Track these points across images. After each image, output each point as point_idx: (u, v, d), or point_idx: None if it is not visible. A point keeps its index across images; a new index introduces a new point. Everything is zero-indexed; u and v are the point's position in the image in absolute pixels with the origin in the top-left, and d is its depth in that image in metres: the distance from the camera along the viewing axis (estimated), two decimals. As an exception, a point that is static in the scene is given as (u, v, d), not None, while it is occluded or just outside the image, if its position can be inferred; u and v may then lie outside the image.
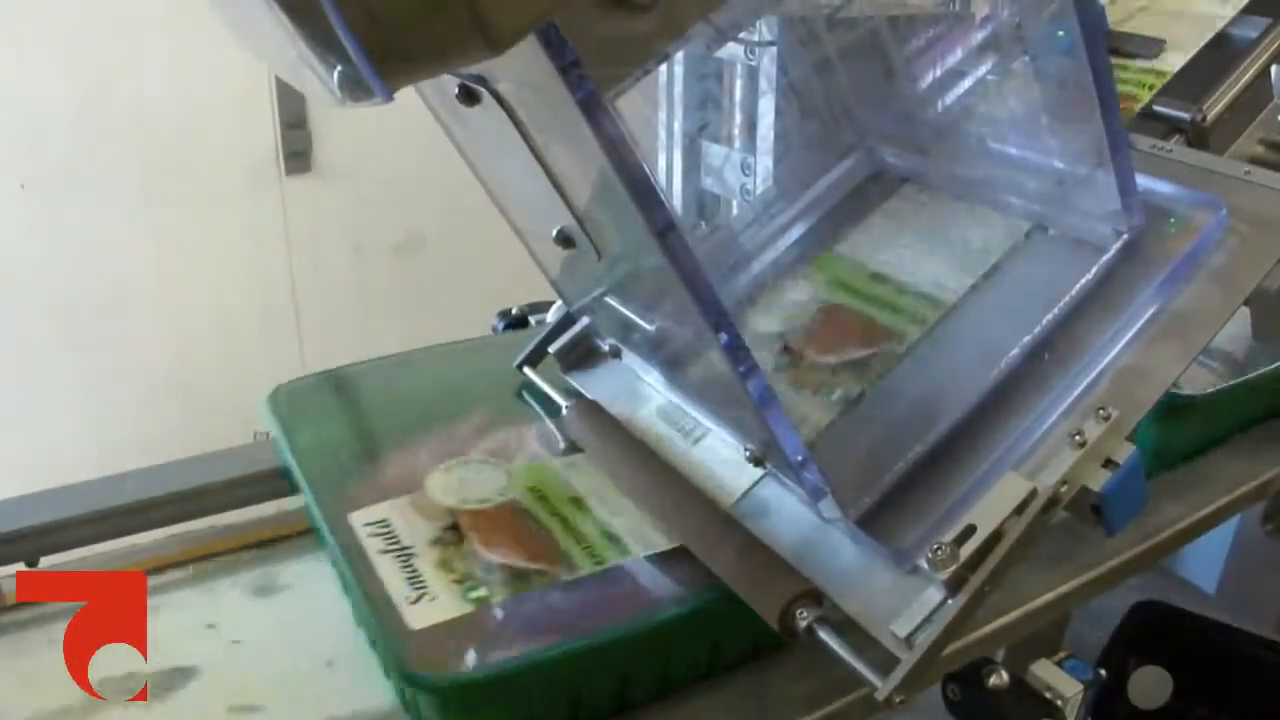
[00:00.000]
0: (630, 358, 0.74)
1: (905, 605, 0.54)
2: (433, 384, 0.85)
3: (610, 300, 0.68)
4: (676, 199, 0.84)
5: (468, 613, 0.58)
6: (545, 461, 0.71)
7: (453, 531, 0.65)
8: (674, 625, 0.59)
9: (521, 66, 0.45)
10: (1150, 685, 1.11)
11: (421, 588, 0.60)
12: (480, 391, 0.81)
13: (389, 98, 0.38)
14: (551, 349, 0.78)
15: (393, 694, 0.61)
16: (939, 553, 0.52)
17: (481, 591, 0.60)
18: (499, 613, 0.59)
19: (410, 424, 0.76)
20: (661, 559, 0.63)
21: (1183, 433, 0.84)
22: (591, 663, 0.57)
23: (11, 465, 1.89)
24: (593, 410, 0.72)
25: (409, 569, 0.61)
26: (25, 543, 0.75)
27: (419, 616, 0.58)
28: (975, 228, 0.70)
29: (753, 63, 0.75)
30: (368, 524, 0.65)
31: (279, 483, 0.80)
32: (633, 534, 0.64)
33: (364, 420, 0.80)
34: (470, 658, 0.56)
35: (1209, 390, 0.82)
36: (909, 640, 0.52)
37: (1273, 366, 0.86)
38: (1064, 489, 0.54)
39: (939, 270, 0.68)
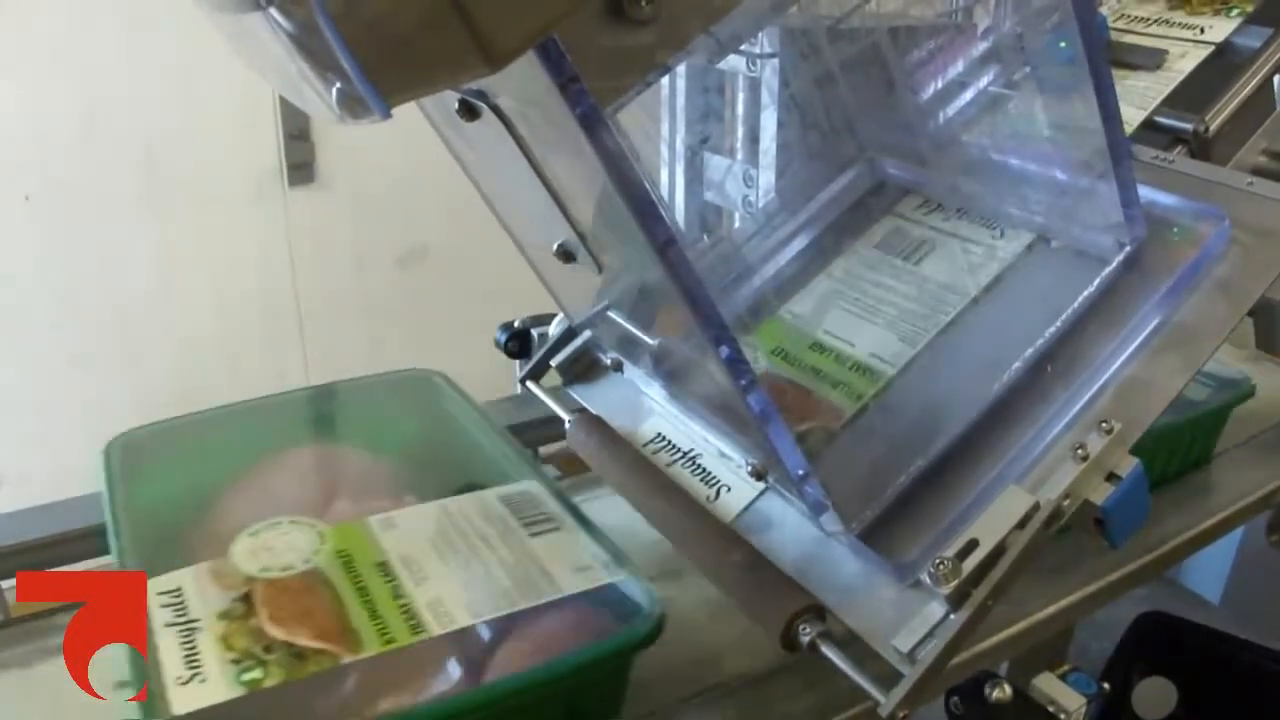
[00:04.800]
0: (632, 371, 0.74)
1: (908, 619, 0.53)
2: (277, 433, 0.80)
3: (612, 314, 0.68)
4: (679, 212, 0.84)
5: (237, 697, 0.53)
6: (361, 520, 0.67)
7: (244, 603, 0.59)
8: (455, 716, 0.55)
9: (521, 81, 0.45)
10: (1155, 696, 1.11)
11: (196, 667, 0.54)
12: (321, 442, 0.78)
13: (387, 115, 0.38)
14: (553, 362, 0.78)
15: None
16: (941, 567, 0.52)
17: (256, 674, 0.54)
18: (269, 699, 0.54)
19: (242, 478, 0.72)
20: (458, 637, 0.58)
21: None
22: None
23: (13, 478, 1.89)
24: (595, 424, 0.72)
25: (189, 645, 0.56)
26: (28, 556, 0.76)
27: (185, 699, 0.52)
28: (977, 240, 0.70)
29: (754, 75, 0.75)
30: (161, 593, 0.60)
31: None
32: (433, 608, 0.59)
33: (200, 474, 0.74)
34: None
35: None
36: (912, 655, 0.52)
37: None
38: (1066, 503, 0.54)
39: (882, 337, 0.68)
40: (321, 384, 0.84)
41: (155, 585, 0.60)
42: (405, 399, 0.85)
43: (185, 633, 0.57)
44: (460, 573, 0.62)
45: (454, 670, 0.57)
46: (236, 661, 0.55)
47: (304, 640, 0.57)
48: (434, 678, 0.56)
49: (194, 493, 0.71)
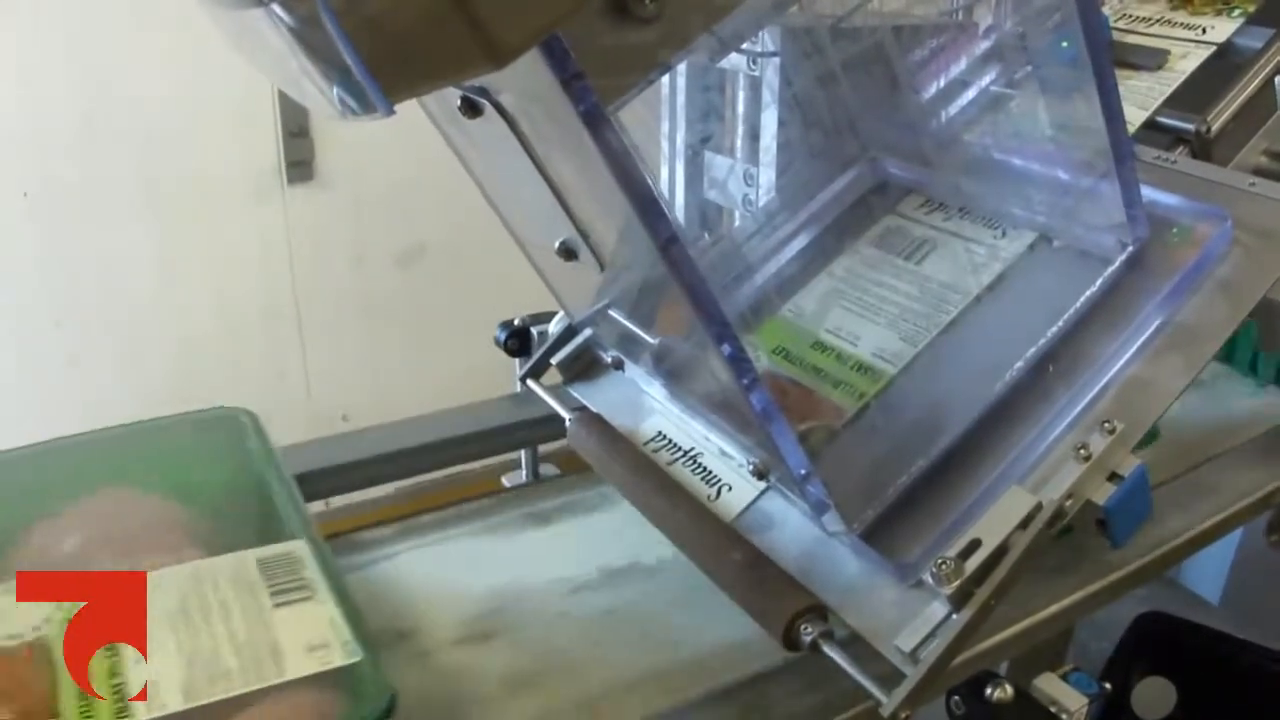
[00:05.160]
0: (633, 370, 0.74)
1: (910, 619, 0.53)
2: (76, 478, 0.74)
3: (613, 312, 0.68)
4: (679, 211, 0.84)
5: None
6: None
7: None
8: None
9: (524, 78, 0.44)
10: (1154, 696, 1.11)
11: None
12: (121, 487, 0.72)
13: (391, 112, 0.38)
14: (554, 361, 0.78)
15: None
16: (944, 567, 0.51)
17: None
18: None
19: (32, 528, 0.67)
20: None
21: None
22: None
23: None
24: (596, 423, 0.72)
25: None
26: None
27: None
28: (979, 239, 0.70)
29: (755, 73, 0.75)
30: None
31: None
32: (155, 687, 0.54)
33: None
34: None
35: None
36: (914, 655, 0.52)
37: None
38: (1069, 503, 0.54)
39: (884, 336, 0.67)
40: (129, 423, 0.77)
41: None
42: (211, 441, 0.78)
43: None
44: (187, 648, 0.56)
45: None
46: None
47: None
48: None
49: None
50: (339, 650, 0.57)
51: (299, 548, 0.65)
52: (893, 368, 0.65)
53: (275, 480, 0.72)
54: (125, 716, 0.53)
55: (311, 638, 0.58)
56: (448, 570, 0.75)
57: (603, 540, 0.77)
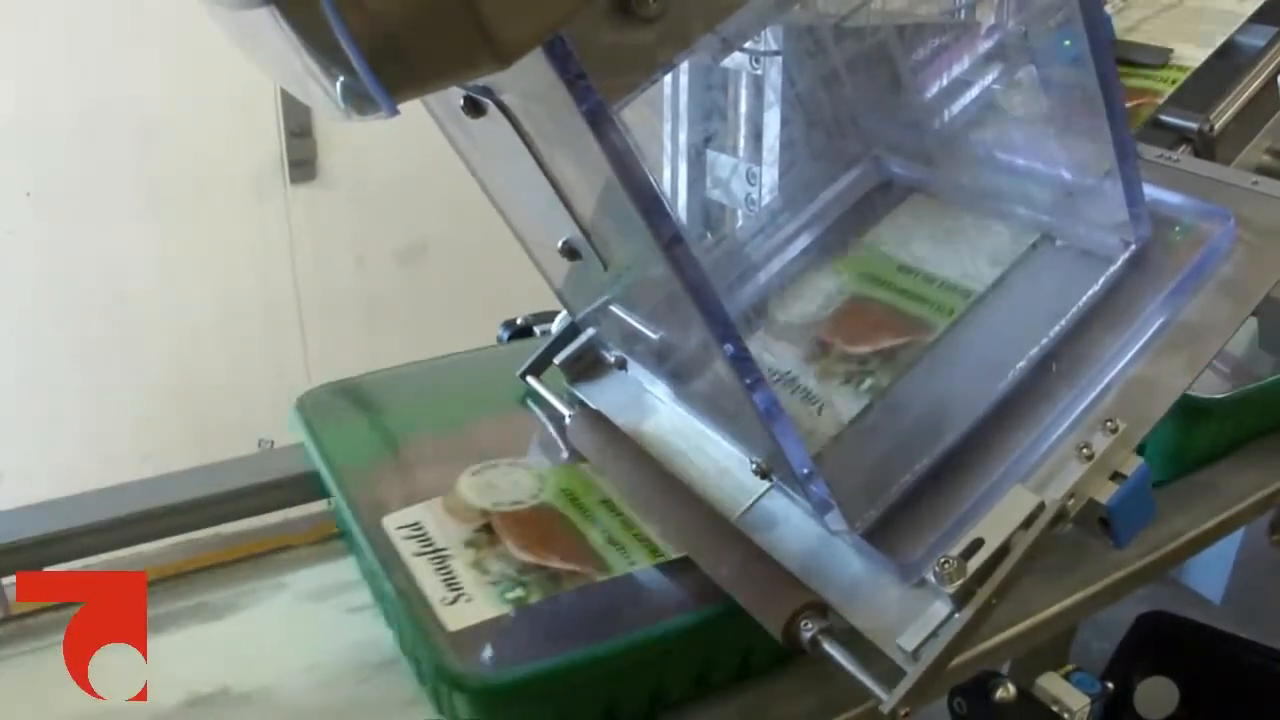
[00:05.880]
0: (636, 369, 0.74)
1: (912, 618, 0.53)
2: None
3: (616, 311, 0.68)
4: (682, 210, 0.84)
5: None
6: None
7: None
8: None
9: (527, 78, 0.44)
10: (1156, 696, 1.11)
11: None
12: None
13: (395, 112, 0.38)
14: (556, 360, 0.78)
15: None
16: (946, 566, 0.51)
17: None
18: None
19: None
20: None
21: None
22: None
23: (14, 473, 1.89)
24: (597, 420, 0.72)
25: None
26: (29, 553, 0.75)
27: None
28: (983, 238, 0.70)
29: (758, 73, 0.75)
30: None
31: (284, 492, 0.80)
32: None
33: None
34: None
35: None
36: (915, 653, 0.52)
37: (1289, 373, 0.85)
38: (1071, 502, 0.54)
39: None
40: None
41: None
42: None
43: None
44: None
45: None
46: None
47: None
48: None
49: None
50: None
51: None
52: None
53: None
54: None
55: None
56: (12, 691, 0.66)
57: (205, 657, 0.68)
